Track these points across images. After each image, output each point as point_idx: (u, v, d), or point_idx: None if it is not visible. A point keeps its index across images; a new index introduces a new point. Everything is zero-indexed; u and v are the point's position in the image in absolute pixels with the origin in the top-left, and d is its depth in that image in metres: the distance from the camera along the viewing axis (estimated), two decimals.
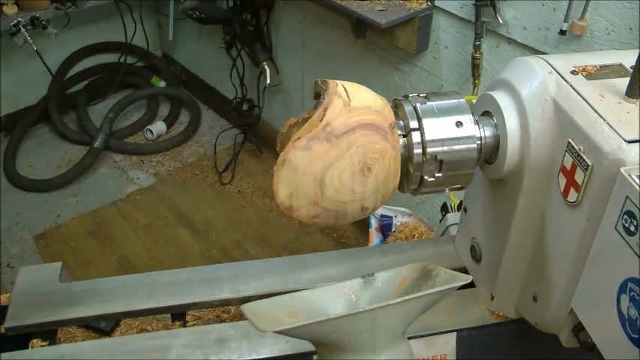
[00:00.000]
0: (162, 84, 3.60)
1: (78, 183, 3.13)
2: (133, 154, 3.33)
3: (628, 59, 0.76)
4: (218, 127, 3.51)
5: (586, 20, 1.59)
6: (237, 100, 3.07)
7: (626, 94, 0.69)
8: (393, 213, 2.16)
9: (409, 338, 0.69)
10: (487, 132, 0.77)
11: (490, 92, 0.79)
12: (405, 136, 0.73)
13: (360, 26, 2.17)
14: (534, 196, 0.76)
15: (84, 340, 1.00)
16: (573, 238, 0.70)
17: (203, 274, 0.96)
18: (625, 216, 0.60)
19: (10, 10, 2.80)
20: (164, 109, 3.60)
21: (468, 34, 1.93)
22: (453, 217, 1.13)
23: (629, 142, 0.63)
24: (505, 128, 0.75)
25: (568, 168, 0.69)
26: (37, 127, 3.42)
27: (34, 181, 3.10)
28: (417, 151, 0.73)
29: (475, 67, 1.89)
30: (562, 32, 1.64)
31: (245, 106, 3.06)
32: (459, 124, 0.73)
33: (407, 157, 0.73)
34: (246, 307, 0.64)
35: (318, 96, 0.71)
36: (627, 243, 0.60)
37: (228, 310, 1.03)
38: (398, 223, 1.91)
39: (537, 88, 0.73)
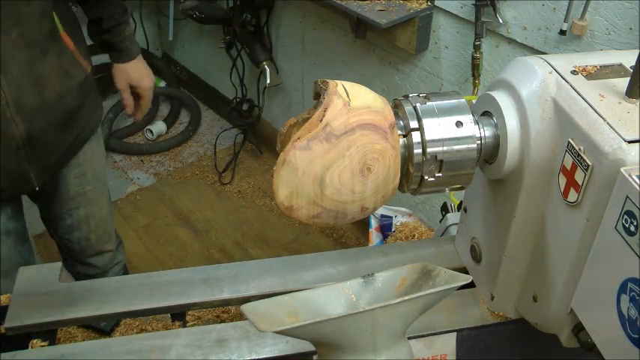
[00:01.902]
0: (163, 84, 3.60)
1: None
2: (133, 154, 3.32)
3: (628, 59, 0.76)
4: (218, 127, 3.50)
5: (586, 20, 1.59)
6: (237, 100, 3.07)
7: (626, 94, 0.69)
8: (393, 213, 2.16)
9: (409, 338, 0.69)
10: (487, 132, 0.77)
11: (490, 92, 0.79)
12: (405, 136, 0.73)
13: (360, 26, 2.17)
14: (534, 196, 0.76)
15: (84, 340, 1.00)
16: (573, 238, 0.70)
17: (203, 274, 0.96)
18: (625, 216, 0.60)
19: None
20: (164, 109, 3.59)
21: (468, 34, 1.93)
22: (453, 217, 1.13)
23: (629, 142, 0.63)
24: (505, 128, 0.75)
25: (568, 168, 0.69)
26: None
27: None
28: (417, 151, 0.73)
29: (475, 67, 1.89)
30: (562, 32, 1.64)
31: (245, 106, 3.05)
32: (459, 124, 0.73)
33: (407, 157, 0.73)
34: (246, 307, 0.64)
35: (318, 96, 0.71)
36: (627, 243, 0.60)
37: (228, 310, 1.03)
38: (398, 223, 1.90)
39: (537, 88, 0.73)
